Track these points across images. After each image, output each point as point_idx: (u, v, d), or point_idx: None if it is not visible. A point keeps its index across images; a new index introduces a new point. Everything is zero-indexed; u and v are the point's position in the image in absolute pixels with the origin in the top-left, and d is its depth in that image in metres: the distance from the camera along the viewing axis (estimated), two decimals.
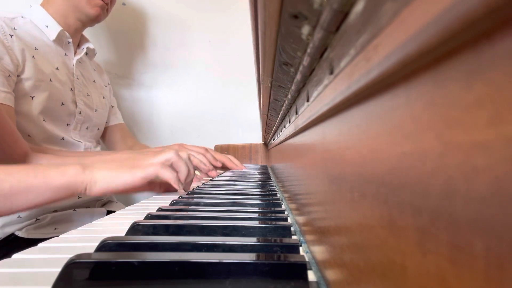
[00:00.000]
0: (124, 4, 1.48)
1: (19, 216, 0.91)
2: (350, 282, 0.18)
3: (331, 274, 0.23)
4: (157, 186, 0.73)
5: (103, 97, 1.18)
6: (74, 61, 1.06)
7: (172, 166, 0.64)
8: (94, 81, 1.15)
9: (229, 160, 1.13)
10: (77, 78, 1.06)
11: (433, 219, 0.10)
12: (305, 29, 0.20)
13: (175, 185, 0.61)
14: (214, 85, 1.52)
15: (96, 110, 1.12)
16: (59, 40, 1.02)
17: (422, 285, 0.11)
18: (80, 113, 1.04)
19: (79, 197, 1.02)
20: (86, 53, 1.13)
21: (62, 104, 0.99)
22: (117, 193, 0.65)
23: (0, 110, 0.73)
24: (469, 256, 0.08)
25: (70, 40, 1.04)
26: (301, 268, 0.24)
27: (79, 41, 1.12)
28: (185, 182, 0.66)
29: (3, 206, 0.52)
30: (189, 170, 0.66)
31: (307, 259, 0.29)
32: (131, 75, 1.51)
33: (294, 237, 0.36)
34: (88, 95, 1.09)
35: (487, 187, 0.08)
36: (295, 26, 0.20)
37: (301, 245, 0.34)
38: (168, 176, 0.60)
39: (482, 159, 0.08)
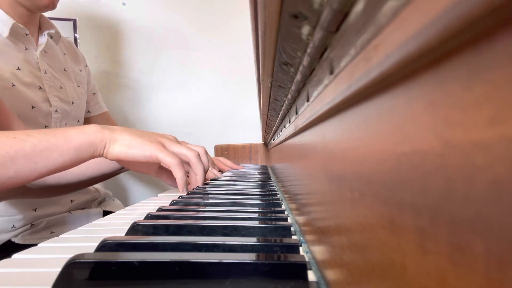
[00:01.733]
0: (124, 4, 1.48)
1: (13, 226, 0.90)
2: (350, 282, 0.18)
3: (331, 274, 0.23)
4: (165, 175, 0.72)
5: (78, 86, 1.05)
6: (38, 53, 0.93)
7: (186, 166, 0.64)
8: (65, 70, 1.01)
9: (221, 163, 1.11)
10: (45, 73, 0.93)
11: (433, 219, 0.10)
12: (305, 29, 0.20)
13: (180, 187, 0.61)
14: (214, 85, 1.52)
15: (72, 103, 1.00)
16: (14, 34, 0.88)
17: (422, 285, 0.11)
18: (56, 110, 0.94)
19: (72, 201, 1.00)
20: (51, 37, 0.98)
21: (33, 107, 0.88)
22: (130, 163, 0.64)
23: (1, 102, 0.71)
24: (469, 256, 0.08)
25: (27, 32, 0.90)
26: (301, 268, 0.24)
27: (40, 27, 0.97)
28: (201, 181, 0.66)
29: (27, 167, 0.51)
30: (204, 173, 0.66)
31: (307, 259, 0.29)
32: (131, 75, 1.51)
33: (294, 237, 0.36)
34: (61, 88, 0.97)
35: (487, 187, 0.08)
36: (295, 26, 0.20)
37: (301, 245, 0.34)
38: (179, 176, 0.60)
39: (482, 159, 0.08)
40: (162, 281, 0.24)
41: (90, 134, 0.55)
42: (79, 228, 0.42)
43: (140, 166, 0.64)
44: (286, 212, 0.47)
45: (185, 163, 0.64)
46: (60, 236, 0.38)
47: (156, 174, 0.70)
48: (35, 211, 0.93)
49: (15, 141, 0.51)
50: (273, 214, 0.44)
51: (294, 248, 0.29)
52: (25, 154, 0.51)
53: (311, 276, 0.26)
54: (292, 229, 0.37)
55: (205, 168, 0.68)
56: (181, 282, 0.24)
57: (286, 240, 0.31)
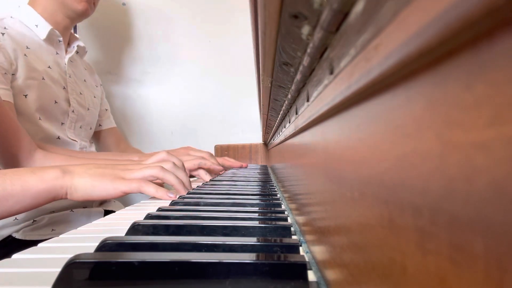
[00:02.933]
0: (124, 4, 1.48)
1: (16, 218, 0.91)
2: (350, 282, 0.18)
3: (331, 274, 0.23)
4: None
5: (94, 97, 1.18)
6: (66, 60, 1.06)
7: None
8: (85, 80, 1.15)
9: (227, 161, 1.14)
10: (70, 77, 1.05)
11: (433, 219, 0.10)
12: (305, 29, 0.20)
13: (165, 198, 0.61)
14: (214, 85, 1.52)
15: (88, 109, 1.12)
16: (49, 39, 1.01)
17: (422, 285, 0.11)
18: (73, 111, 1.04)
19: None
20: (77, 52, 1.12)
21: (56, 102, 0.99)
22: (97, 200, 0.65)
23: (3, 106, 0.73)
24: (469, 256, 0.08)
25: (61, 38, 1.03)
26: (301, 268, 0.24)
27: (69, 40, 1.11)
28: (180, 187, 0.65)
29: None
30: (180, 182, 0.65)
31: (307, 259, 0.29)
32: (131, 75, 1.51)
33: (294, 237, 0.36)
34: (80, 93, 1.09)
35: (487, 187, 0.08)
36: (295, 26, 0.20)
37: (301, 245, 0.34)
38: (152, 192, 0.59)
39: (482, 159, 0.08)
40: (162, 281, 0.24)
41: (49, 181, 0.55)
42: (79, 228, 0.42)
43: (111, 198, 0.64)
44: (286, 212, 0.47)
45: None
46: (60, 236, 0.38)
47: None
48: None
49: None
50: (273, 214, 0.44)
51: (294, 248, 0.29)
52: None
53: (311, 276, 0.26)
54: (292, 229, 0.37)
55: (178, 174, 0.66)
56: (181, 282, 0.24)
57: (286, 240, 0.31)
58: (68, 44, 1.10)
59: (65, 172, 0.57)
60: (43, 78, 0.95)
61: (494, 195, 0.07)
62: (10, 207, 0.52)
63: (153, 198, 0.68)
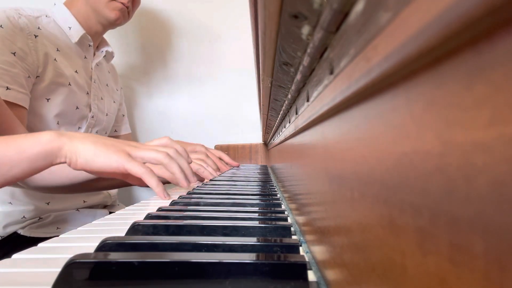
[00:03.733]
0: None
1: (24, 216, 0.91)
2: (350, 282, 0.18)
3: (331, 274, 0.23)
4: (131, 177, 0.65)
5: (114, 101, 1.17)
6: (93, 65, 1.06)
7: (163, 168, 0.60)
8: (107, 85, 1.15)
9: (219, 161, 1.08)
10: (94, 82, 1.05)
11: (433, 219, 0.10)
12: (305, 29, 0.20)
13: (160, 195, 0.58)
14: (214, 85, 1.52)
15: (107, 115, 1.12)
16: (80, 42, 1.01)
17: (422, 285, 0.11)
18: (92, 117, 1.04)
19: (84, 201, 1.02)
20: (105, 56, 1.13)
21: (77, 108, 0.98)
22: (96, 173, 0.59)
23: (2, 104, 0.70)
24: (469, 256, 0.08)
25: (91, 43, 1.03)
26: (301, 268, 0.24)
27: (99, 44, 1.11)
28: (181, 177, 0.61)
29: None
30: (182, 168, 0.61)
31: (307, 259, 0.29)
32: (131, 75, 1.51)
33: (294, 237, 0.36)
34: (101, 99, 1.09)
35: (487, 187, 0.08)
36: (295, 26, 0.20)
37: (301, 245, 0.34)
38: (152, 184, 0.56)
39: (482, 159, 0.08)
40: (162, 281, 0.24)
41: (45, 143, 0.51)
42: (79, 228, 0.42)
43: (107, 173, 0.59)
44: (286, 212, 0.47)
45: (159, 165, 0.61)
46: (60, 236, 0.38)
47: (122, 177, 0.65)
48: (48, 204, 0.96)
49: None
50: (273, 214, 0.44)
51: (294, 248, 0.29)
52: None
53: (311, 276, 0.26)
54: (292, 229, 0.37)
55: (181, 163, 0.62)
56: (181, 282, 0.24)
57: (286, 240, 0.31)
58: (97, 48, 1.10)
59: (61, 135, 0.53)
60: (69, 84, 0.94)
61: (494, 195, 0.07)
62: (7, 171, 0.50)
63: (153, 198, 0.68)
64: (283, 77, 0.33)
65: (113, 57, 1.18)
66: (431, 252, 0.10)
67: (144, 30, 1.50)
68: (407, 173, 0.12)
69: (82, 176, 0.72)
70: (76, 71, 0.98)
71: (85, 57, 1.04)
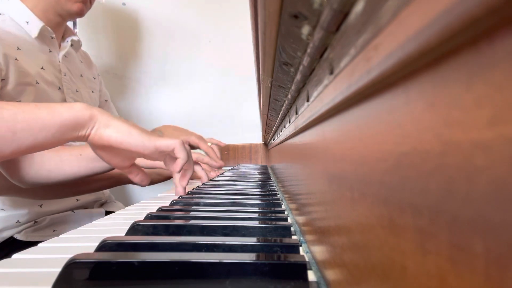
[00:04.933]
0: (124, 4, 1.48)
1: (18, 221, 0.91)
2: (350, 282, 0.18)
3: (331, 274, 0.23)
4: (135, 173, 0.65)
5: (92, 91, 1.11)
6: (60, 57, 0.99)
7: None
8: (81, 76, 1.08)
9: (213, 151, 1.05)
10: (65, 75, 0.99)
11: (433, 219, 0.10)
12: (305, 29, 0.20)
13: (178, 167, 0.59)
14: (214, 85, 1.52)
15: None
16: (41, 36, 0.94)
17: (422, 285, 0.11)
18: None
19: (77, 200, 1.01)
20: (72, 45, 1.05)
21: None
22: (111, 152, 0.58)
23: None
24: (469, 256, 0.08)
25: (54, 35, 0.97)
26: (301, 268, 0.24)
27: (63, 34, 1.04)
28: (185, 176, 0.65)
29: (4, 136, 0.46)
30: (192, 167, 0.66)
31: (307, 259, 0.29)
32: (131, 75, 1.51)
33: (294, 237, 0.36)
34: (77, 91, 1.03)
35: (487, 187, 0.08)
36: (295, 26, 0.20)
37: (301, 245, 0.34)
38: (183, 155, 0.58)
39: (482, 159, 0.08)
40: (162, 281, 0.24)
41: (77, 110, 0.51)
42: (79, 228, 0.42)
43: (118, 158, 0.59)
44: (286, 212, 0.47)
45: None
46: (60, 236, 0.38)
47: (128, 170, 0.64)
48: (41, 207, 0.95)
49: None
50: (273, 214, 0.44)
51: (294, 248, 0.29)
52: (2, 121, 0.46)
53: (311, 276, 0.26)
54: (292, 229, 0.37)
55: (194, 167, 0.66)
56: (181, 282, 0.24)
57: (286, 240, 0.31)
58: (62, 38, 1.04)
59: (92, 107, 0.53)
60: (36, 82, 0.89)
61: (494, 195, 0.07)
62: (36, 133, 0.48)
63: (153, 198, 0.68)
64: (283, 77, 0.33)
65: (81, 45, 1.11)
66: (431, 252, 0.10)
67: (144, 30, 1.50)
68: (407, 173, 0.12)
69: (79, 172, 0.73)
70: (42, 68, 0.92)
71: (50, 51, 0.97)
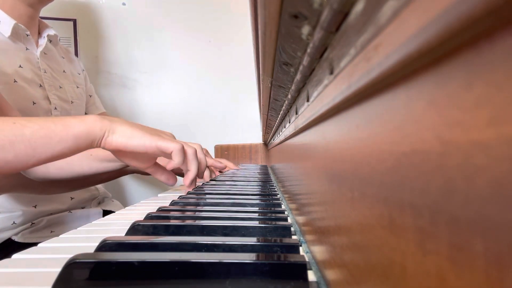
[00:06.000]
0: (124, 4, 1.48)
1: (14, 222, 0.91)
2: (350, 282, 0.18)
3: (331, 274, 0.23)
4: (160, 172, 0.70)
5: (77, 87, 1.09)
6: (38, 54, 0.97)
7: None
8: (64, 71, 1.06)
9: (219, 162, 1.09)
10: (45, 72, 0.97)
11: (433, 219, 0.10)
12: (305, 29, 0.20)
13: (170, 166, 0.62)
14: (214, 85, 1.52)
15: (72, 102, 1.04)
16: (15, 35, 0.92)
17: (422, 285, 0.11)
18: (55, 108, 0.97)
19: (72, 198, 1.01)
20: (50, 41, 1.03)
21: (34, 103, 0.91)
22: (127, 156, 0.63)
23: None
24: (469, 256, 0.08)
25: (28, 32, 0.94)
26: (301, 268, 0.24)
27: (39, 29, 1.01)
28: (194, 178, 0.66)
29: (26, 152, 0.51)
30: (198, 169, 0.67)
31: (307, 259, 0.29)
32: (131, 75, 1.51)
33: (294, 237, 0.36)
34: (60, 87, 1.01)
35: (487, 187, 0.08)
36: (295, 26, 0.20)
37: (301, 245, 0.34)
38: (177, 161, 0.60)
39: (482, 159, 0.08)
40: (162, 281, 0.24)
41: (89, 123, 0.56)
42: (79, 228, 0.42)
43: (136, 160, 0.64)
44: (286, 212, 0.47)
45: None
46: (60, 236, 0.38)
47: (151, 170, 0.69)
48: (35, 207, 0.94)
49: (15, 126, 0.51)
50: (273, 214, 0.44)
51: (294, 248, 0.29)
52: (25, 139, 0.51)
53: (311, 276, 0.26)
54: (292, 229, 0.37)
55: (200, 166, 0.68)
56: (181, 282, 0.24)
57: (286, 240, 0.31)
58: (39, 34, 1.01)
59: (103, 118, 0.58)
60: (15, 81, 0.87)
61: (494, 195, 0.07)
62: (53, 146, 0.53)
63: (153, 198, 0.68)
64: (283, 77, 0.33)
65: (59, 39, 1.08)
66: (431, 252, 0.10)
67: (144, 29, 1.50)
68: (407, 173, 0.12)
69: (89, 170, 0.77)
70: (20, 66, 0.90)
71: (27, 49, 0.95)
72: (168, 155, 0.62)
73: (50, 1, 0.97)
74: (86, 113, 1.16)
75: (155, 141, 0.59)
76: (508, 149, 0.07)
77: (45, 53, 1.00)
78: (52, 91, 0.98)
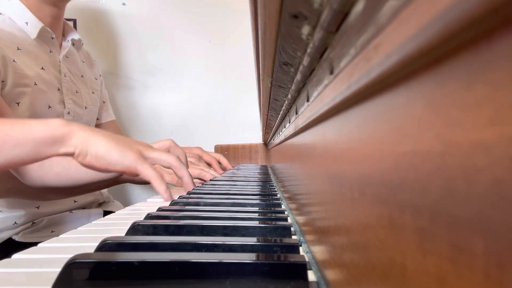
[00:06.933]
0: (124, 4, 1.48)
1: (15, 222, 0.91)
2: (350, 282, 0.18)
3: (331, 274, 0.23)
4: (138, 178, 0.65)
5: (93, 92, 1.10)
6: (61, 57, 0.98)
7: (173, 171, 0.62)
8: (82, 76, 1.06)
9: (217, 163, 1.07)
10: (65, 76, 0.98)
11: (433, 219, 0.10)
12: (305, 29, 0.20)
13: (166, 199, 0.58)
14: (214, 85, 1.52)
15: (86, 108, 1.04)
16: (41, 37, 0.93)
17: (422, 285, 0.11)
18: (68, 113, 0.97)
19: (75, 201, 1.01)
20: (73, 44, 1.04)
21: (49, 107, 0.92)
22: (104, 170, 0.55)
23: None
24: (469, 256, 0.08)
25: (54, 36, 0.95)
26: (301, 268, 0.24)
27: (63, 31, 1.02)
28: (189, 181, 0.64)
29: None
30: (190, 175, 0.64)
31: (307, 259, 0.29)
32: (131, 75, 1.51)
33: (294, 237, 0.36)
34: (77, 92, 1.01)
35: (487, 187, 0.08)
36: (295, 26, 0.20)
37: (301, 245, 0.34)
38: (161, 190, 0.56)
39: (482, 159, 0.08)
40: (162, 281, 0.24)
41: (53, 127, 0.49)
42: (79, 228, 0.42)
43: (115, 171, 0.58)
44: (286, 212, 0.47)
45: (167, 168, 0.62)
46: (60, 236, 0.38)
47: (127, 175, 0.63)
48: (38, 208, 0.94)
49: None
50: (273, 214, 0.44)
51: (294, 248, 0.29)
52: None
53: (311, 276, 0.26)
54: (292, 229, 0.37)
55: (188, 169, 0.65)
56: (181, 282, 0.24)
57: (286, 240, 0.31)
58: (63, 36, 1.02)
59: (70, 123, 0.51)
60: (35, 84, 0.88)
61: (494, 195, 0.07)
62: (9, 150, 0.47)
63: (153, 198, 0.68)
64: (283, 77, 0.33)
65: (82, 44, 1.09)
66: (431, 252, 0.10)
67: (144, 30, 1.50)
68: (407, 173, 0.12)
69: (86, 178, 0.71)
70: (42, 68, 0.91)
71: (51, 51, 0.96)
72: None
73: None
74: (98, 118, 1.16)
75: (134, 164, 0.52)
76: (508, 149, 0.07)
77: (67, 57, 1.00)
78: (69, 95, 0.98)
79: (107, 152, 0.51)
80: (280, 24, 0.21)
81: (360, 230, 0.17)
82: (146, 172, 0.54)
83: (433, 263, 0.10)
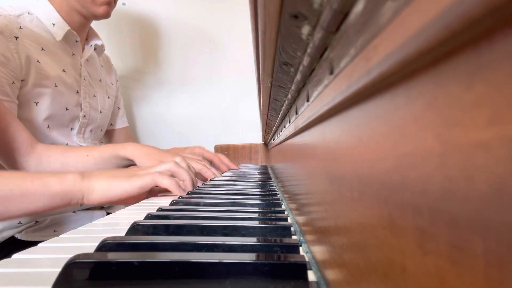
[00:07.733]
0: (124, 4, 1.48)
1: (19, 222, 0.91)
2: (350, 282, 0.18)
3: (331, 274, 0.23)
4: (157, 194, 0.71)
5: (108, 97, 1.12)
6: (82, 61, 1.00)
7: (172, 175, 0.65)
8: (100, 80, 1.09)
9: (219, 160, 1.09)
10: (84, 79, 1.00)
11: (433, 219, 0.10)
12: (305, 29, 0.20)
13: (176, 191, 0.62)
14: (214, 85, 1.52)
15: (101, 112, 1.07)
16: (66, 39, 0.95)
17: (422, 285, 0.11)
18: (84, 116, 0.99)
19: (80, 205, 1.01)
20: (95, 49, 1.06)
21: (67, 109, 0.94)
22: (115, 203, 0.66)
23: (2, 104, 0.71)
24: (469, 256, 0.08)
25: (78, 39, 0.97)
26: (301, 268, 0.24)
27: (87, 36, 1.04)
28: (190, 184, 0.67)
29: None
30: (191, 178, 0.67)
31: (307, 259, 0.29)
32: (131, 76, 1.51)
33: (294, 237, 0.36)
34: (94, 96, 1.04)
35: (487, 187, 0.08)
36: (295, 26, 0.20)
37: (301, 245, 0.34)
38: (166, 183, 0.60)
39: (482, 159, 0.08)
40: (162, 281, 0.24)
41: (68, 184, 0.55)
42: (79, 228, 0.42)
43: (129, 199, 0.64)
44: (286, 212, 0.47)
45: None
46: (60, 236, 0.38)
47: (150, 196, 0.70)
48: None
49: None
50: (273, 214, 0.44)
51: (294, 248, 0.29)
52: None
53: (311, 276, 0.26)
54: (292, 229, 0.37)
55: (189, 172, 0.68)
56: (181, 282, 0.24)
57: (286, 240, 0.31)
58: (86, 41, 1.04)
59: (84, 177, 0.57)
60: (55, 85, 0.89)
61: (494, 195, 0.07)
62: (26, 205, 0.53)
63: (153, 198, 0.68)
64: (283, 77, 0.33)
65: (104, 50, 1.11)
66: (431, 252, 0.10)
67: (147, 33, 1.50)
68: (407, 173, 0.12)
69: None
70: (63, 70, 0.93)
71: (73, 54, 0.98)
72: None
73: (105, 17, 0.98)
74: (112, 124, 1.19)
75: (134, 183, 0.59)
76: (508, 149, 0.07)
77: (87, 60, 1.02)
78: (86, 98, 1.00)
79: (108, 190, 0.58)
80: (280, 24, 0.21)
81: (360, 230, 0.17)
82: (145, 181, 0.60)
83: (433, 263, 0.10)
